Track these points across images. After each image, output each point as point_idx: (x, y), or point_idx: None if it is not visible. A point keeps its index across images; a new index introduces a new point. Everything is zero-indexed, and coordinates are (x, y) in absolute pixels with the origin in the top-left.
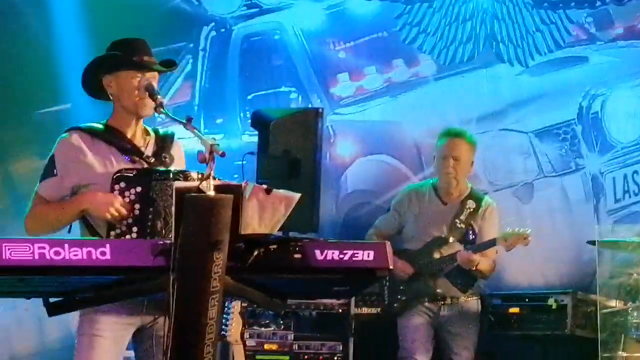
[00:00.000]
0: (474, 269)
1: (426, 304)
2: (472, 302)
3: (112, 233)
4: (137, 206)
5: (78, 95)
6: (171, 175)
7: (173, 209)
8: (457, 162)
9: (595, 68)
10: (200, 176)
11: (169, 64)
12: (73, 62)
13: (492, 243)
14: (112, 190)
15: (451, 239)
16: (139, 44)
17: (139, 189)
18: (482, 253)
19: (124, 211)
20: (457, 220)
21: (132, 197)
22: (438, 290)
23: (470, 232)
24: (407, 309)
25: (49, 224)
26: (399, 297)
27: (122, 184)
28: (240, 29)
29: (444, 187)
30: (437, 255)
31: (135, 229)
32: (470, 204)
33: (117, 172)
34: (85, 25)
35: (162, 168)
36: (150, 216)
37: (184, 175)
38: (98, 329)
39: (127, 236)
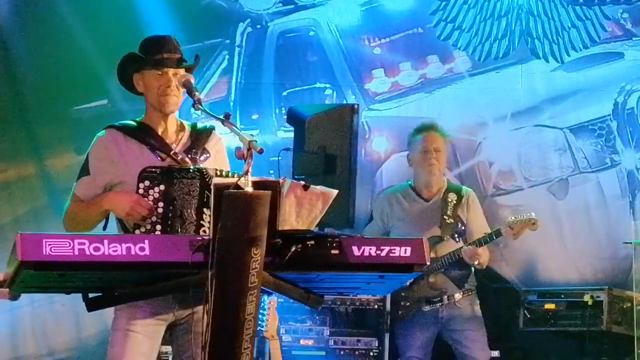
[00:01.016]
0: (477, 263)
1: (426, 307)
2: (468, 299)
3: (137, 232)
4: (160, 204)
5: (115, 91)
6: (189, 174)
7: (212, 204)
8: (439, 153)
9: (630, 64)
10: (218, 172)
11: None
12: (110, 58)
13: (498, 233)
14: (137, 188)
15: (445, 237)
16: (164, 41)
17: (162, 187)
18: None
19: (143, 211)
20: (445, 217)
21: (156, 195)
22: (437, 287)
23: (460, 224)
24: (409, 316)
25: (80, 223)
26: (402, 303)
27: (147, 183)
28: (276, 26)
29: (426, 181)
30: (432, 255)
31: (158, 227)
32: (452, 196)
33: (142, 170)
34: (122, 22)
35: (190, 165)
36: (170, 215)
37: (201, 173)
38: (132, 324)
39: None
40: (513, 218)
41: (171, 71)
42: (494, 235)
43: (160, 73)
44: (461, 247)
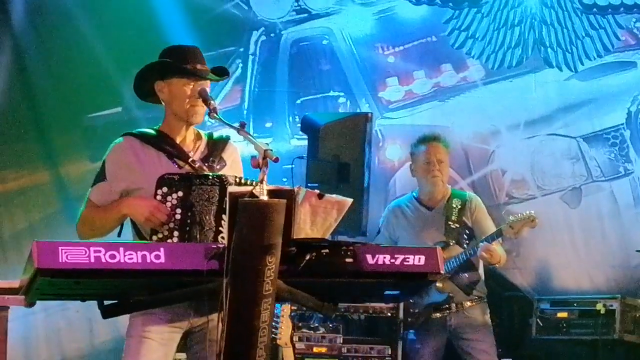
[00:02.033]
0: (495, 262)
1: (436, 314)
2: (478, 307)
3: (154, 237)
4: (178, 211)
5: (129, 99)
6: (209, 181)
7: (227, 212)
8: (442, 164)
9: None
10: (238, 180)
11: (221, 73)
12: (124, 66)
13: (499, 234)
14: (156, 194)
15: (452, 242)
16: (193, 51)
17: (180, 193)
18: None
19: (162, 217)
20: (449, 222)
21: (174, 201)
22: (445, 293)
23: (465, 229)
24: (418, 323)
25: (96, 229)
26: (411, 310)
27: (165, 189)
28: (290, 34)
29: (429, 191)
30: None
31: (176, 233)
32: (456, 202)
33: (161, 177)
34: (136, 30)
35: (207, 173)
36: (188, 221)
37: (220, 180)
38: (146, 331)
39: (169, 240)
40: (513, 217)
41: (199, 82)
42: (495, 235)
43: (192, 84)
44: (478, 242)
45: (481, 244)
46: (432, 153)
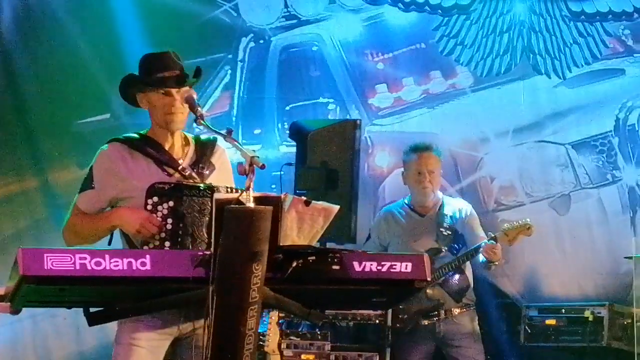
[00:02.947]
0: (497, 260)
1: (423, 321)
2: (467, 314)
3: (145, 248)
4: (169, 220)
5: (117, 105)
6: (200, 192)
7: (213, 220)
8: (432, 175)
9: (632, 80)
10: (229, 190)
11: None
12: (112, 72)
13: (493, 240)
14: (146, 204)
15: (443, 249)
16: (163, 58)
17: (171, 203)
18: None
19: (153, 229)
20: (441, 229)
21: (165, 211)
22: (434, 300)
23: (458, 237)
24: (406, 329)
25: (84, 237)
26: (399, 316)
27: (155, 198)
28: (279, 40)
29: (420, 200)
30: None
31: (167, 243)
32: (447, 209)
33: (151, 186)
34: (124, 36)
35: (198, 183)
36: (180, 232)
37: (211, 190)
38: (135, 339)
39: None
40: (508, 225)
41: (174, 89)
42: (492, 241)
43: (163, 92)
44: (480, 243)
45: (483, 243)
46: (422, 164)
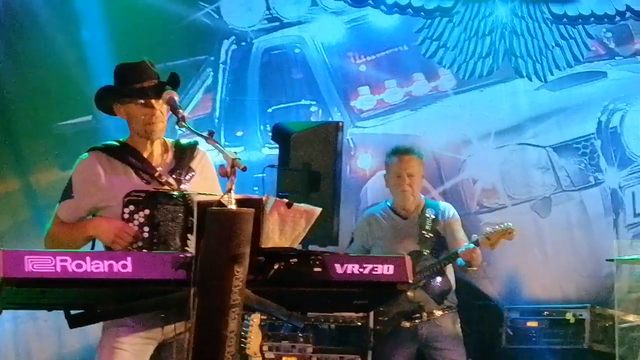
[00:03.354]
0: (476, 265)
1: (405, 323)
2: (449, 316)
3: None
4: (146, 229)
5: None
6: (172, 201)
7: (194, 222)
8: (412, 179)
9: (614, 83)
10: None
11: (171, 83)
12: (94, 74)
13: (476, 244)
14: (123, 213)
15: (425, 252)
16: (138, 68)
17: (147, 212)
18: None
19: (128, 238)
20: (423, 232)
21: (142, 220)
22: (416, 302)
23: (439, 239)
24: (387, 331)
25: (63, 246)
26: (380, 318)
27: (132, 207)
28: (261, 43)
29: (401, 203)
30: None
31: (144, 252)
32: (429, 212)
33: (127, 195)
34: (106, 38)
35: (173, 190)
36: (155, 240)
37: (184, 199)
38: (119, 342)
39: None
40: (490, 229)
41: (153, 99)
42: (473, 245)
43: (143, 103)
44: (457, 249)
45: (461, 250)
46: (402, 167)
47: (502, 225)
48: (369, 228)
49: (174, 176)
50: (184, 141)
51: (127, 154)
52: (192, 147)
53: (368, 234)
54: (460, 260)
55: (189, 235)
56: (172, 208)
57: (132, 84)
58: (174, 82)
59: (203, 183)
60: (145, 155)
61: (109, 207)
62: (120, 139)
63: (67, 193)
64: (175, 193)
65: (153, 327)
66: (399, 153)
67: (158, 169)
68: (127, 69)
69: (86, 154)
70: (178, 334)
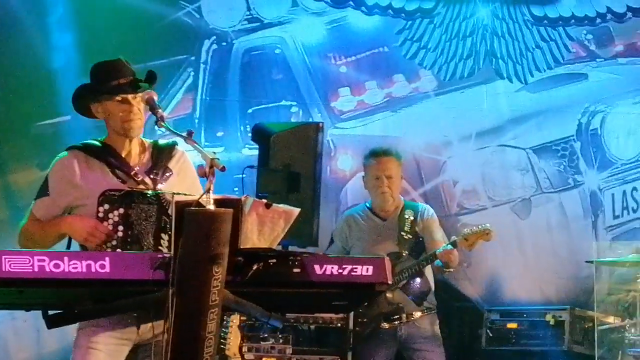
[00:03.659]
0: (453, 267)
1: (384, 324)
2: (428, 318)
3: None
4: (120, 228)
5: None
6: (146, 200)
7: (173, 222)
8: (391, 180)
9: (594, 85)
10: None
11: (149, 80)
12: (72, 74)
13: (453, 245)
14: (97, 212)
15: (404, 253)
16: (116, 66)
17: (121, 210)
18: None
19: (101, 236)
20: (402, 233)
21: (116, 218)
22: (395, 303)
23: (417, 240)
24: (367, 332)
25: (36, 243)
26: (360, 319)
27: (107, 206)
28: (242, 43)
29: (379, 205)
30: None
31: (118, 251)
32: (409, 213)
33: (102, 194)
34: (85, 38)
35: (150, 187)
36: (129, 239)
37: (158, 198)
38: (94, 342)
39: None
40: (468, 230)
41: (130, 96)
42: (450, 246)
43: (120, 100)
44: (435, 250)
45: (439, 251)
46: (381, 169)
47: (480, 227)
48: (348, 229)
49: (151, 176)
50: (162, 141)
51: (105, 153)
52: (170, 147)
53: (347, 235)
54: (437, 261)
55: (162, 235)
56: (146, 207)
57: (108, 82)
58: (150, 79)
59: (181, 183)
60: (123, 154)
61: (84, 205)
62: (100, 138)
63: (43, 190)
64: (150, 192)
65: (128, 327)
66: (377, 155)
67: (135, 168)
68: (102, 67)
69: (65, 152)
70: (156, 336)
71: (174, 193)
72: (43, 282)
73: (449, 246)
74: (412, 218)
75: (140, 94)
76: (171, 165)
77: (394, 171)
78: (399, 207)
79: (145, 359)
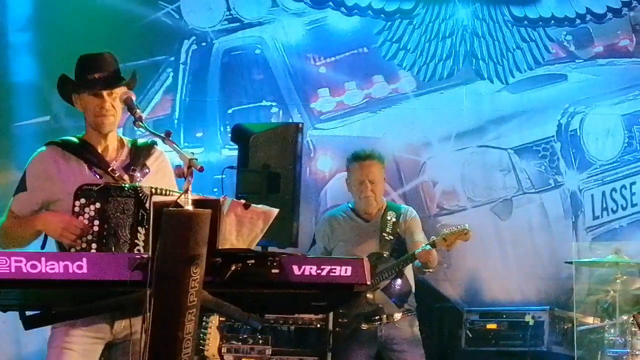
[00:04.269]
0: (432, 267)
1: (363, 325)
2: (407, 319)
3: (72, 250)
4: (96, 223)
5: (57, 107)
6: (124, 193)
7: (150, 222)
8: (374, 184)
9: (574, 86)
10: (154, 190)
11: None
12: (52, 74)
13: (432, 245)
14: (74, 206)
15: (385, 254)
16: (96, 60)
17: (98, 205)
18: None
19: (76, 231)
20: (384, 234)
21: (92, 213)
22: (375, 304)
23: (399, 241)
24: (347, 333)
25: (13, 240)
26: (339, 319)
27: (83, 200)
28: (221, 43)
29: (363, 208)
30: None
31: (94, 246)
32: (391, 214)
33: (78, 188)
34: (65, 38)
35: (127, 182)
36: (105, 233)
37: (135, 191)
38: (68, 342)
39: None
40: (446, 230)
41: (105, 91)
42: (429, 247)
43: (94, 94)
44: (414, 251)
45: (418, 251)
46: (364, 173)
47: (458, 227)
48: (330, 230)
49: (128, 173)
50: (141, 140)
51: (82, 149)
52: (149, 146)
53: (330, 236)
54: (417, 262)
55: (139, 229)
56: (123, 200)
57: (84, 75)
58: (131, 79)
59: (159, 181)
60: (100, 149)
61: (60, 200)
62: (79, 135)
63: (21, 186)
64: (127, 185)
65: (102, 327)
66: (360, 159)
67: (112, 163)
68: (84, 60)
69: (43, 147)
70: (130, 335)
71: (152, 187)
72: (20, 283)
73: (428, 247)
74: (394, 219)
75: (117, 91)
76: (149, 162)
77: (377, 175)
78: (381, 209)
79: (117, 357)
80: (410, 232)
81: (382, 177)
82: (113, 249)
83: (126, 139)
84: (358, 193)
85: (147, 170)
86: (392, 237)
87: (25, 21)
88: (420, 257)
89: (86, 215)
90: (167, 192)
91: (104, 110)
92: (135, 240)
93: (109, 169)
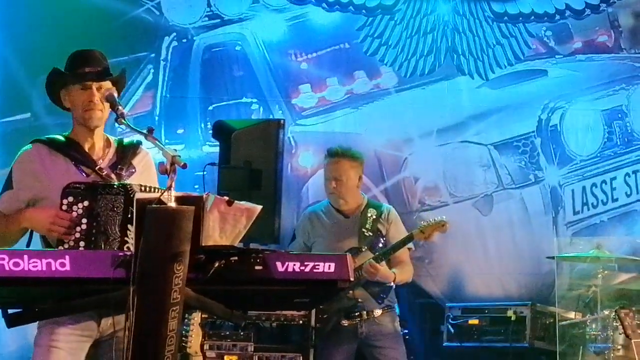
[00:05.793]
0: (374, 279)
1: (344, 322)
2: (388, 315)
3: (60, 248)
4: (84, 221)
5: (38, 105)
6: (113, 190)
7: (134, 219)
8: (338, 182)
9: (554, 81)
10: (143, 188)
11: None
12: (33, 72)
13: (410, 238)
14: (61, 204)
15: (363, 249)
16: (86, 55)
17: (86, 203)
18: (399, 261)
19: (64, 223)
20: (363, 230)
21: (80, 211)
22: (355, 299)
23: (381, 239)
24: (327, 329)
25: (0, 239)
26: (320, 315)
27: (71, 198)
28: (202, 40)
29: (332, 204)
30: None
31: (82, 243)
32: (371, 212)
33: (66, 186)
34: (45, 35)
35: (115, 181)
36: (93, 231)
37: (125, 189)
38: (54, 340)
39: None
40: (424, 222)
41: (95, 85)
42: (407, 239)
43: (83, 88)
44: (362, 264)
45: (370, 261)
46: (330, 169)
47: (436, 219)
48: (310, 226)
49: (115, 171)
50: (127, 140)
51: (68, 148)
52: (135, 145)
53: (310, 232)
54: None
55: (129, 226)
56: (113, 198)
57: (75, 69)
58: (120, 74)
59: (144, 182)
60: (87, 147)
61: (47, 198)
62: (64, 134)
63: (8, 184)
64: (116, 183)
65: (89, 324)
66: (329, 155)
67: (99, 162)
68: (76, 55)
69: (29, 145)
70: (114, 332)
71: (141, 185)
72: (2, 281)
73: (400, 243)
74: (374, 217)
75: (105, 87)
76: (135, 162)
77: (344, 174)
78: (361, 205)
79: (104, 355)
80: (392, 233)
81: (354, 175)
82: (103, 247)
83: (112, 138)
84: (325, 189)
85: (133, 170)
86: (371, 234)
87: (5, 18)
88: (365, 272)
89: (74, 214)
90: (156, 190)
91: (92, 104)
92: (125, 238)
93: (97, 167)
